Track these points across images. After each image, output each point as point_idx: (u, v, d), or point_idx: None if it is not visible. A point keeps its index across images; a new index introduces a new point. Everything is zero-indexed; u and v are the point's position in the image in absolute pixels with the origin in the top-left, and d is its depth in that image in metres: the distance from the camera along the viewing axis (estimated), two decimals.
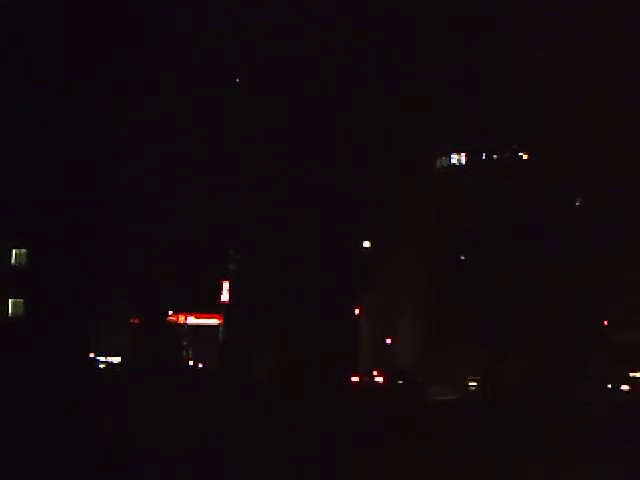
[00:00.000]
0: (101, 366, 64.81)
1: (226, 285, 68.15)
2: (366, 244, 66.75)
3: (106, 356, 67.25)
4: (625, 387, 58.21)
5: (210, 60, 45.28)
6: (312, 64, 49.00)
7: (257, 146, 54.43)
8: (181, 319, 71.08)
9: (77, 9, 36.95)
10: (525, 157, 65.16)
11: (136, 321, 68.33)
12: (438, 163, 69.89)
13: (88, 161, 54.13)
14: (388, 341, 72.53)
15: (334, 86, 51.05)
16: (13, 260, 64.37)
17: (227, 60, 47.77)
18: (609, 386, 58.07)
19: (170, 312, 69.67)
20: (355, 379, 63.35)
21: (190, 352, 71.79)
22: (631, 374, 59.73)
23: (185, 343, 71.51)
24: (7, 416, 30.92)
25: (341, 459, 23.66)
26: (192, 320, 71.68)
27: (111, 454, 22.13)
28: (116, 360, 68.30)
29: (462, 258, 66.52)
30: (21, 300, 63.64)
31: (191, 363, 69.97)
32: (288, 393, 53.41)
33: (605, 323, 64.03)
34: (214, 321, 70.28)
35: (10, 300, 63.88)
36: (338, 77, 50.47)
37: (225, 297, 68.35)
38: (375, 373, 64.71)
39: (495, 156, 65.02)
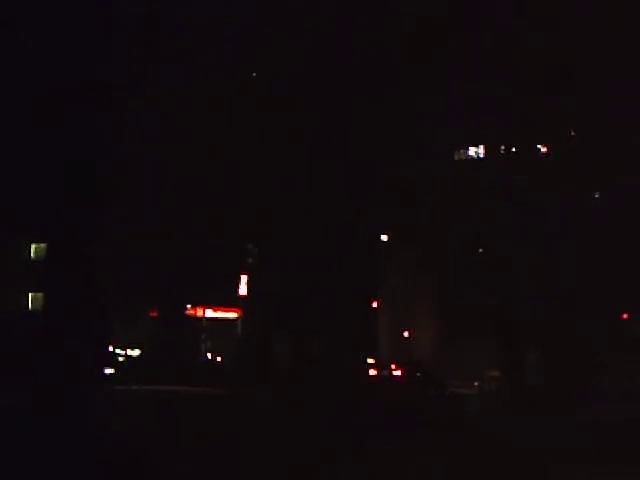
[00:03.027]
0: (120, 359, 64.99)
1: (244, 279, 68.30)
2: (384, 238, 66.71)
3: (125, 349, 67.51)
4: None
5: (229, 57, 45.53)
6: (328, 60, 49.06)
7: (276, 141, 54.47)
8: (199, 312, 71.22)
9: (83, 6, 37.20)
10: (544, 150, 64.92)
11: (155, 314, 68.59)
12: (456, 156, 69.71)
13: (106, 156, 54.34)
14: (406, 334, 72.57)
15: (351, 82, 51.02)
16: (32, 255, 64.74)
17: (244, 55, 47.99)
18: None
19: (188, 305, 69.85)
20: (373, 372, 63.26)
21: (208, 345, 71.97)
22: None
23: (203, 336, 71.68)
24: (23, 410, 31.17)
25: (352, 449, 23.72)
26: (210, 313, 71.80)
27: (122, 447, 22.31)
28: (135, 353, 68.59)
29: (480, 251, 66.33)
30: (40, 294, 63.98)
31: (209, 356, 70.18)
32: (305, 386, 53.55)
33: (624, 317, 63.72)
34: (232, 314, 70.43)
35: (30, 294, 64.25)
36: (356, 73, 50.44)
37: (243, 291, 68.50)
38: (393, 367, 64.54)
39: (513, 149, 64.74)
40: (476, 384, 63.91)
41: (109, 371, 53.19)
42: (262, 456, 21.67)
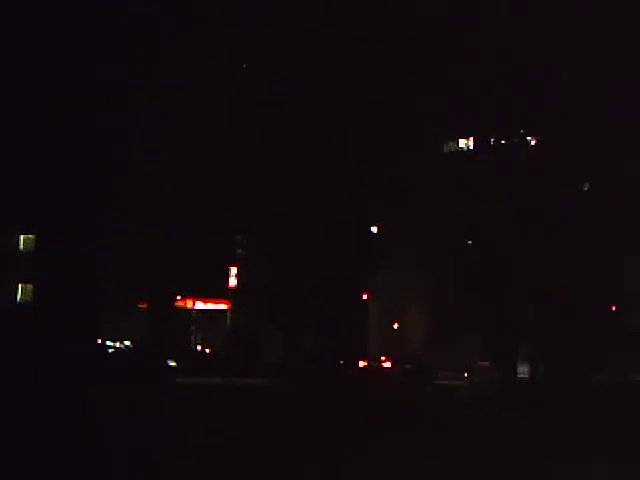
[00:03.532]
0: (110, 351, 64.89)
1: (234, 270, 68.31)
2: (374, 230, 66.78)
3: (115, 341, 67.40)
4: None
5: (229, 57, 45.39)
6: (328, 60, 48.92)
7: (267, 133, 54.33)
8: (189, 304, 71.23)
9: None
10: (533, 142, 65.04)
11: (144, 306, 68.47)
12: (445, 148, 69.71)
13: (95, 149, 54.02)
14: (395, 326, 72.89)
15: (344, 74, 50.93)
16: (21, 246, 64.41)
17: (244, 55, 47.85)
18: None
19: (178, 297, 69.81)
20: (363, 364, 63.51)
21: (198, 337, 72.00)
22: None
23: (193, 328, 71.72)
24: (15, 403, 31.12)
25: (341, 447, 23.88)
26: (200, 305, 71.82)
27: (116, 441, 22.38)
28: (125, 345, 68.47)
29: (470, 243, 66.49)
30: (30, 286, 63.69)
31: (199, 348, 70.19)
32: (296, 378, 53.68)
33: (615, 308, 64.02)
34: (222, 306, 70.43)
35: (19, 285, 63.98)
36: (349, 65, 50.35)
37: (233, 282, 68.53)
38: (383, 358, 64.85)
39: (503, 141, 64.83)
40: (466, 375, 64.29)
41: (172, 363, 53.30)
42: (262, 456, 21.78)
